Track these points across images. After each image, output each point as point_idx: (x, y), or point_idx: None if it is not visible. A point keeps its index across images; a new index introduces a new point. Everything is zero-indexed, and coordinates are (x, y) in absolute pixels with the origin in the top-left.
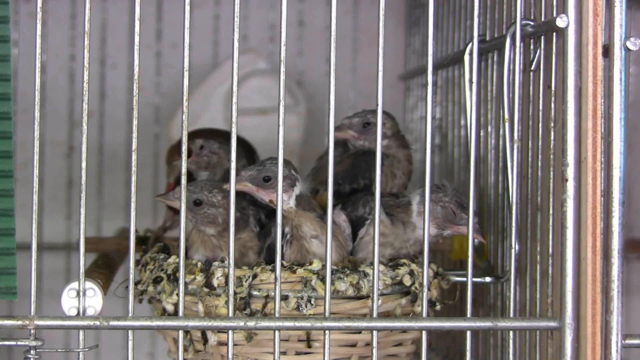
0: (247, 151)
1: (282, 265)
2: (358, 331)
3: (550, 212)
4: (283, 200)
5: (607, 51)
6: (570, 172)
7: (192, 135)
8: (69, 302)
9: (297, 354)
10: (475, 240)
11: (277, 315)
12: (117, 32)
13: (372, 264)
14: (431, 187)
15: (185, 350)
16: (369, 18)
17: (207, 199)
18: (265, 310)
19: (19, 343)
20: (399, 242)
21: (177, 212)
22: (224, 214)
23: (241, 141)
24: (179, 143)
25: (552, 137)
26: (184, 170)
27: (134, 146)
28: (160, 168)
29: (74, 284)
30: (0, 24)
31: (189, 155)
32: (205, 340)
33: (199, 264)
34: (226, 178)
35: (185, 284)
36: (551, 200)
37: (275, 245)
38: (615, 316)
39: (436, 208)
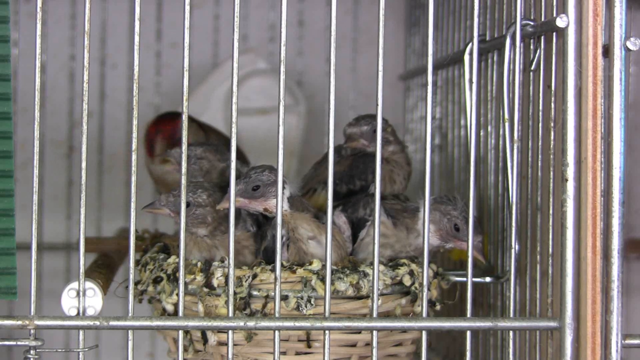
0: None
1: (282, 265)
2: (358, 331)
3: (550, 212)
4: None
5: (607, 51)
6: (570, 172)
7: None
8: (69, 302)
9: (297, 354)
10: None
11: (277, 315)
12: (117, 32)
13: (372, 264)
14: (442, 198)
15: (185, 350)
16: (369, 18)
17: (193, 200)
18: (265, 310)
19: (19, 343)
20: (400, 245)
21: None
22: (213, 212)
23: (226, 140)
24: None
25: (552, 137)
26: (183, 170)
27: (134, 146)
28: None
29: (74, 284)
30: (0, 24)
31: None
32: (205, 340)
33: (199, 264)
34: (221, 179)
35: (185, 284)
36: (551, 200)
37: (271, 248)
38: (615, 316)
39: (443, 220)
